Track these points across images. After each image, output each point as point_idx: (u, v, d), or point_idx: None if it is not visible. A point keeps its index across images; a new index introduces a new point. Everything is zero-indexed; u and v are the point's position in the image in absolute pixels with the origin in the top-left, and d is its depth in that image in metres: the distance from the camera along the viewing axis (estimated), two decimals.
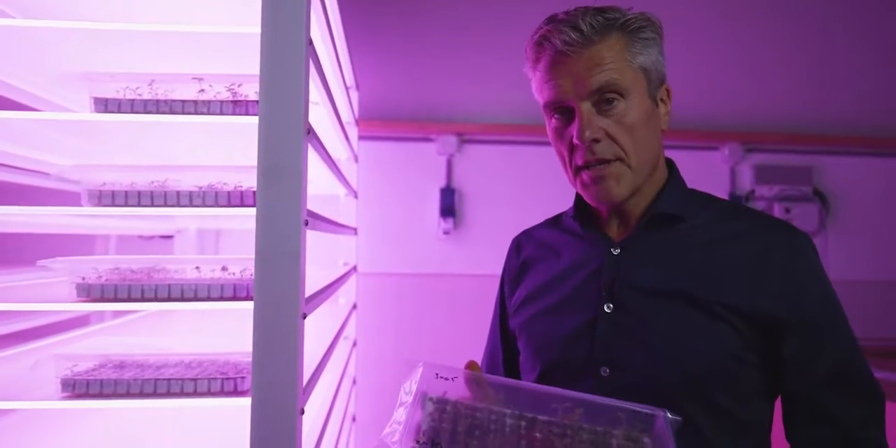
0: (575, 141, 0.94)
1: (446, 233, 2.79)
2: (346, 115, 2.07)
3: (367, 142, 2.80)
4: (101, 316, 2.15)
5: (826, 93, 2.98)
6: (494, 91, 2.86)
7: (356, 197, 2.55)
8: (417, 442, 0.72)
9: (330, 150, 1.45)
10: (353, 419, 2.55)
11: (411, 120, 2.82)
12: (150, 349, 1.26)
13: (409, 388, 0.81)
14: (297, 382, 1.02)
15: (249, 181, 1.11)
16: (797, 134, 2.91)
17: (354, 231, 2.46)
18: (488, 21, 2.89)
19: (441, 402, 0.79)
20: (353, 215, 2.47)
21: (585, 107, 0.94)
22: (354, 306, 2.52)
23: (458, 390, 0.81)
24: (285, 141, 1.01)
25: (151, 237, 2.73)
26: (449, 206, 2.79)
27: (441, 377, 0.82)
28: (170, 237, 2.64)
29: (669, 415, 0.78)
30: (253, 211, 1.02)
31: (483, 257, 2.81)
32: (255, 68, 1.07)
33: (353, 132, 2.38)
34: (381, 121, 2.79)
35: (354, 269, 2.50)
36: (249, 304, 1.04)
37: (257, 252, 1.00)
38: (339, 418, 1.91)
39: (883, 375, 2.10)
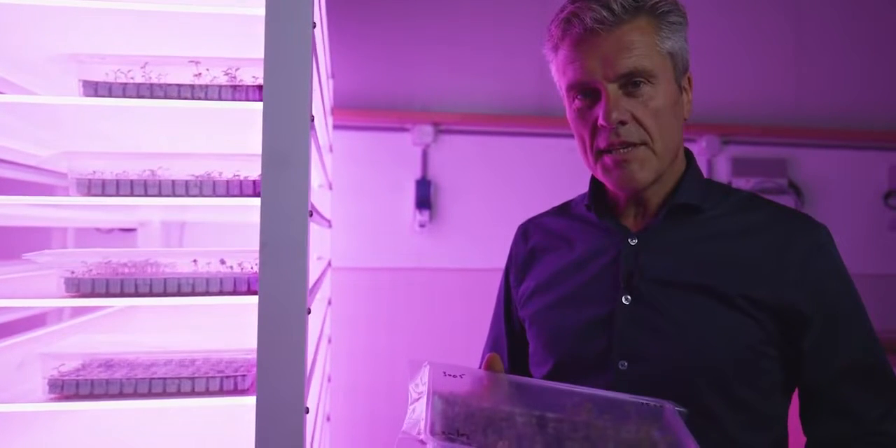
0: (601, 122, 0.94)
1: (422, 226, 2.78)
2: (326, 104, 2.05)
3: (341, 131, 2.77)
4: (59, 313, 2.09)
5: (802, 86, 3.06)
6: (472, 80, 2.86)
7: (331, 188, 2.52)
8: (443, 432, 0.73)
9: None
10: (328, 418, 2.53)
11: (386, 109, 2.80)
12: (131, 347, 1.23)
13: (419, 387, 0.81)
14: (302, 380, 1.01)
15: (247, 170, 1.09)
16: (773, 127, 2.99)
17: (329, 224, 2.44)
18: (467, 8, 2.88)
19: (450, 401, 0.80)
20: (329, 207, 2.45)
21: (612, 89, 0.94)
22: (329, 302, 2.50)
23: (465, 387, 0.82)
24: (291, 128, 0.99)
25: (111, 230, 2.66)
26: (425, 198, 2.78)
27: (448, 375, 0.83)
28: (131, 230, 2.57)
29: (675, 406, 0.81)
30: (255, 201, 1.01)
31: (461, 251, 2.81)
32: (253, 51, 1.05)
33: (328, 121, 2.36)
34: (354, 110, 2.77)
35: (329, 263, 2.48)
36: (251, 299, 1.03)
37: (262, 244, 0.98)
38: (322, 418, 1.90)
39: None
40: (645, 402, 0.82)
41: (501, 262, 3.13)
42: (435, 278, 2.82)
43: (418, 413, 0.77)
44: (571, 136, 3.16)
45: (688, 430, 0.77)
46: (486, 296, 2.82)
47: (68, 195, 1.05)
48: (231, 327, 1.31)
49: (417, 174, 2.81)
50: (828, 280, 0.97)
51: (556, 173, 2.82)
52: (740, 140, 2.99)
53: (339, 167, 2.75)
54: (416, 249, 2.82)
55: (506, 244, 3.05)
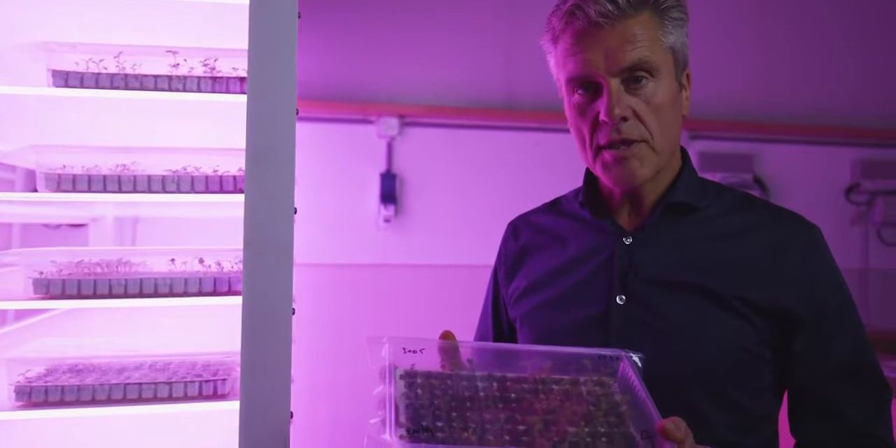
0: (602, 117, 0.95)
1: (387, 221, 2.77)
2: None
3: (302, 123, 2.74)
4: (2, 316, 2.02)
5: (768, 81, 3.14)
6: (439, 71, 2.86)
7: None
8: (408, 431, 0.74)
9: None
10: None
11: (349, 100, 2.78)
12: (96, 351, 1.20)
13: (379, 369, 0.82)
14: (288, 384, 1.01)
15: (227, 165, 1.08)
16: (739, 122, 3.06)
17: None
18: None
19: (410, 376, 0.81)
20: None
21: (615, 84, 0.94)
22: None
23: (426, 361, 0.83)
24: (276, 122, 0.99)
25: (58, 226, 2.59)
26: (390, 192, 2.77)
27: (409, 351, 0.85)
28: (81, 226, 2.50)
29: (631, 354, 0.85)
30: (238, 197, 0.99)
31: (427, 247, 2.82)
32: (231, 41, 1.04)
33: None
34: (316, 100, 2.74)
35: None
36: (234, 300, 1.02)
37: (246, 242, 0.97)
38: None
39: None
40: (604, 353, 0.86)
41: (469, 259, 3.11)
42: (400, 275, 2.82)
43: (379, 407, 0.78)
44: (538, 129, 3.17)
45: (638, 376, 0.82)
46: (453, 293, 2.84)
47: (17, 190, 1.02)
48: (200, 329, 1.29)
49: (382, 168, 2.80)
50: (823, 281, 0.99)
51: (523, 167, 2.84)
52: (707, 135, 3.06)
53: (299, 159, 2.72)
54: (380, 245, 2.81)
55: (473, 240, 3.03)
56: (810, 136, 3.11)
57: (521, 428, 0.76)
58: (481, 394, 0.80)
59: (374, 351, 0.84)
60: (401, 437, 0.72)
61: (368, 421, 0.76)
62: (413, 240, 2.82)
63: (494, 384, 0.82)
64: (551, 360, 0.85)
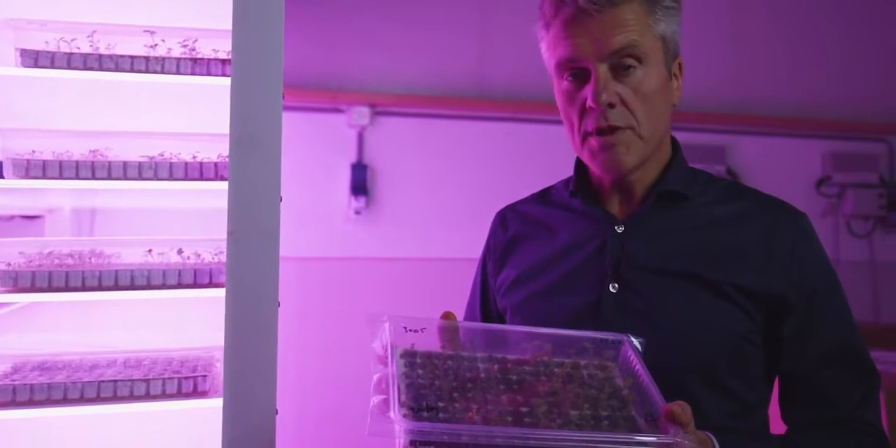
0: (589, 103, 0.96)
1: (358, 212, 2.75)
2: None
3: None
4: None
5: (740, 73, 3.18)
6: (411, 59, 2.84)
7: None
8: (411, 410, 0.73)
9: None
10: None
11: (319, 88, 2.74)
12: (60, 347, 1.16)
13: (379, 348, 0.82)
14: (274, 379, 0.98)
15: (206, 151, 1.05)
16: (711, 113, 3.10)
17: None
18: None
19: (410, 356, 0.81)
20: None
21: (602, 69, 0.95)
22: None
23: (426, 341, 0.84)
24: (262, 106, 0.96)
25: (11, 217, 2.50)
26: (360, 183, 2.74)
27: (410, 330, 0.84)
28: (35, 217, 2.43)
29: (632, 338, 0.87)
30: (216, 185, 0.97)
31: (399, 239, 2.79)
32: (213, 22, 1.00)
33: None
34: (285, 88, 2.69)
35: None
36: (217, 292, 0.99)
37: (230, 232, 0.95)
38: None
39: None
40: (604, 337, 0.87)
41: (442, 251, 3.10)
42: (371, 268, 2.79)
43: (381, 386, 0.77)
44: (510, 119, 3.16)
45: (640, 359, 0.83)
46: (425, 286, 2.83)
47: None
48: (176, 323, 1.25)
49: (353, 158, 2.77)
50: (811, 268, 1.01)
51: (495, 158, 2.84)
52: (679, 126, 3.08)
53: None
54: (351, 237, 2.78)
55: (446, 232, 3.02)
56: (782, 128, 3.17)
57: (524, 409, 0.76)
58: (482, 375, 0.80)
59: (373, 329, 0.83)
60: (404, 416, 0.71)
61: (370, 400, 0.75)
62: (385, 232, 2.80)
63: (495, 366, 0.82)
64: (552, 342, 0.86)
